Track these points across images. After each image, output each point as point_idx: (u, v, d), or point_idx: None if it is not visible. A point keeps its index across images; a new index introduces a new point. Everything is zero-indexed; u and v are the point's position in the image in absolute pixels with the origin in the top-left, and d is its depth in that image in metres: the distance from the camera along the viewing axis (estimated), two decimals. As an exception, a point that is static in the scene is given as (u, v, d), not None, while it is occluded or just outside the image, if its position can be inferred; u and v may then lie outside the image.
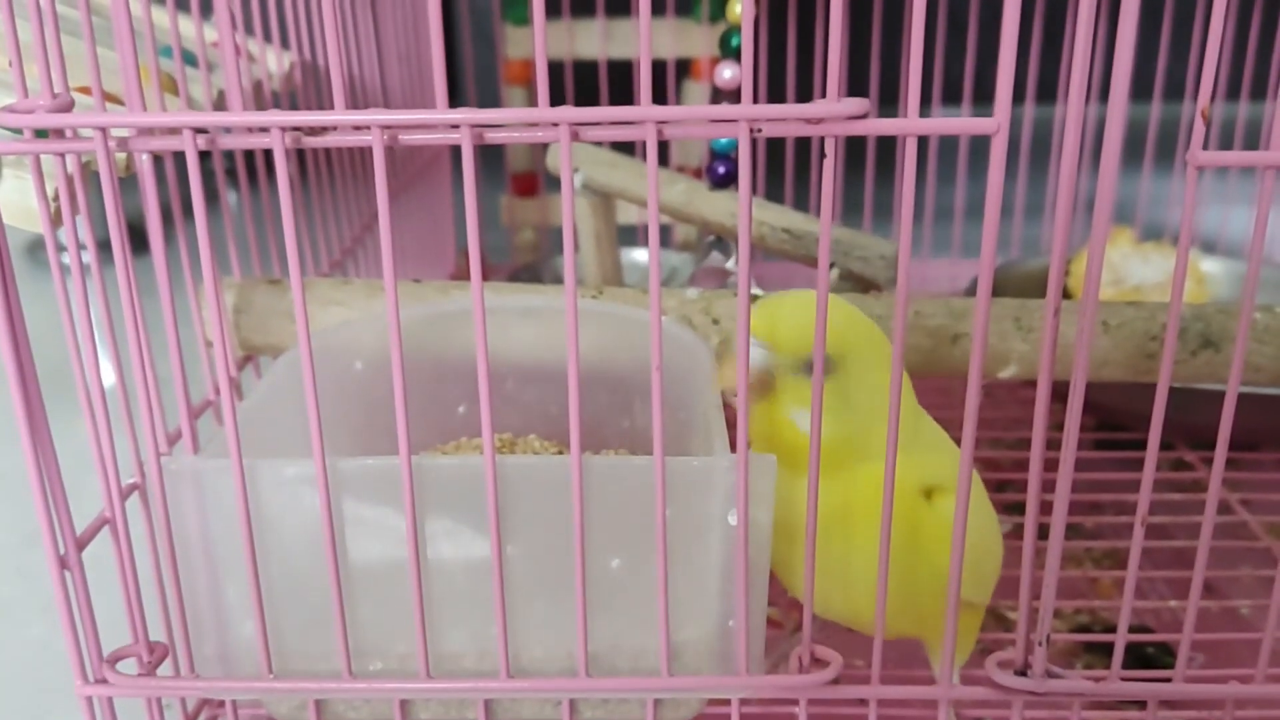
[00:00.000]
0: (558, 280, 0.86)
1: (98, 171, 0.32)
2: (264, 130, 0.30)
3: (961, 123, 0.29)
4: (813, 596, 0.35)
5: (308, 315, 0.32)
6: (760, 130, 0.29)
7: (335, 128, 0.30)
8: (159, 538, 0.35)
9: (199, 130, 0.30)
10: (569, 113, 0.29)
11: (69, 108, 0.31)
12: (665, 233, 0.97)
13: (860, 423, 0.37)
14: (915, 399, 0.40)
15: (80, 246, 0.34)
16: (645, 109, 0.28)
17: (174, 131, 0.31)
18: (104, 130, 0.31)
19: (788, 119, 0.29)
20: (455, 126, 0.29)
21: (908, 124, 0.29)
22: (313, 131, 0.30)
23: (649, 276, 0.30)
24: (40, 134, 0.31)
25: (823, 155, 0.30)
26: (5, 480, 0.74)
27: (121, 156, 0.42)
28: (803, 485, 0.34)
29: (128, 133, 0.31)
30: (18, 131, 0.31)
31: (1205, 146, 0.30)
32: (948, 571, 0.36)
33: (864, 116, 0.29)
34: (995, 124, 0.29)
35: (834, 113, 0.29)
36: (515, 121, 0.29)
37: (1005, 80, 0.28)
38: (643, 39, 0.28)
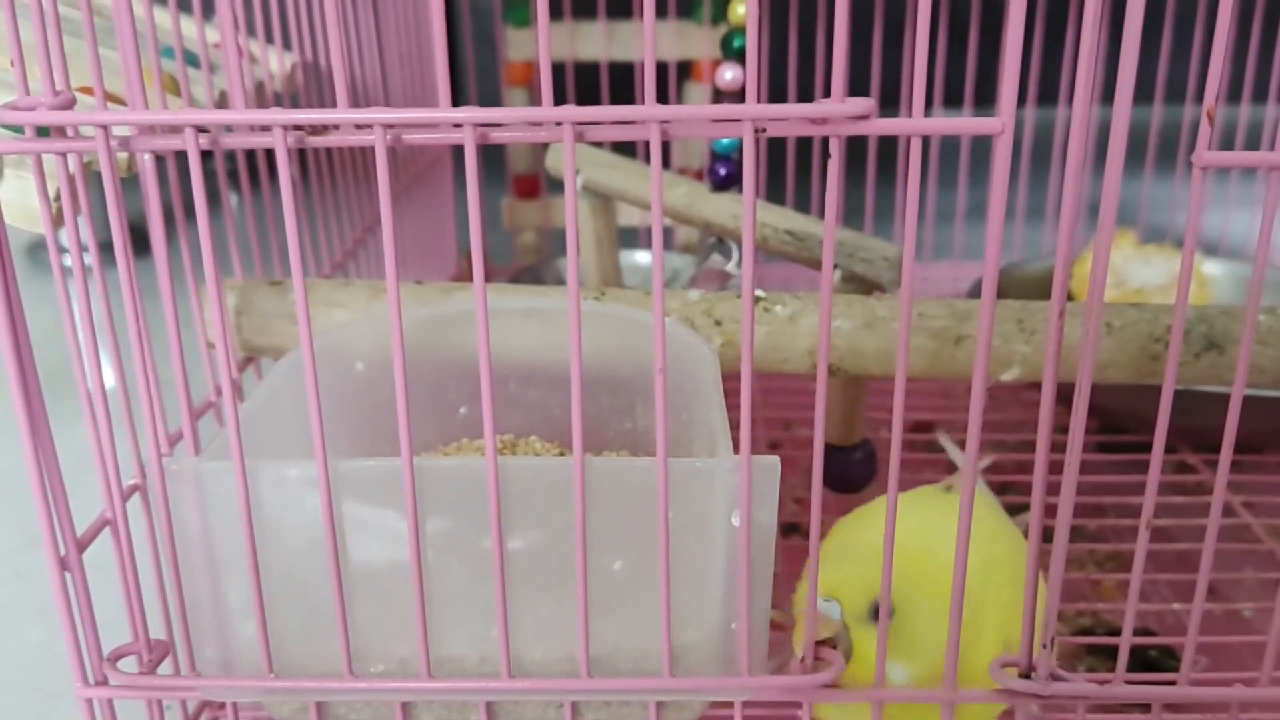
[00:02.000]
0: (559, 282, 0.86)
1: (99, 172, 0.32)
2: (266, 129, 0.30)
3: (966, 123, 0.29)
4: (816, 594, 0.35)
5: (309, 316, 0.32)
6: (764, 130, 0.29)
7: (338, 127, 0.30)
8: (160, 539, 0.35)
9: (201, 129, 0.30)
10: (572, 112, 0.29)
11: (70, 106, 0.31)
12: (667, 234, 0.98)
13: (929, 659, 0.37)
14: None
15: (82, 247, 0.34)
16: (648, 108, 0.28)
17: (175, 130, 0.31)
18: (105, 128, 0.30)
19: (791, 119, 0.29)
20: (458, 125, 0.29)
21: (912, 124, 0.29)
22: (315, 131, 0.30)
23: (651, 278, 0.30)
24: (42, 132, 0.31)
25: (826, 156, 0.30)
26: (4, 482, 0.74)
27: (123, 156, 0.42)
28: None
29: (129, 131, 0.31)
30: (19, 131, 0.31)
31: (1209, 148, 0.30)
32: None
33: (868, 117, 0.29)
34: (1000, 124, 0.29)
35: (838, 113, 0.28)
36: (518, 120, 0.29)
37: (1010, 81, 0.28)
38: (646, 40, 0.28)
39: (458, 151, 0.87)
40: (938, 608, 0.36)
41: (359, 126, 0.29)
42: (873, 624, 0.36)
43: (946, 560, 0.34)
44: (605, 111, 0.28)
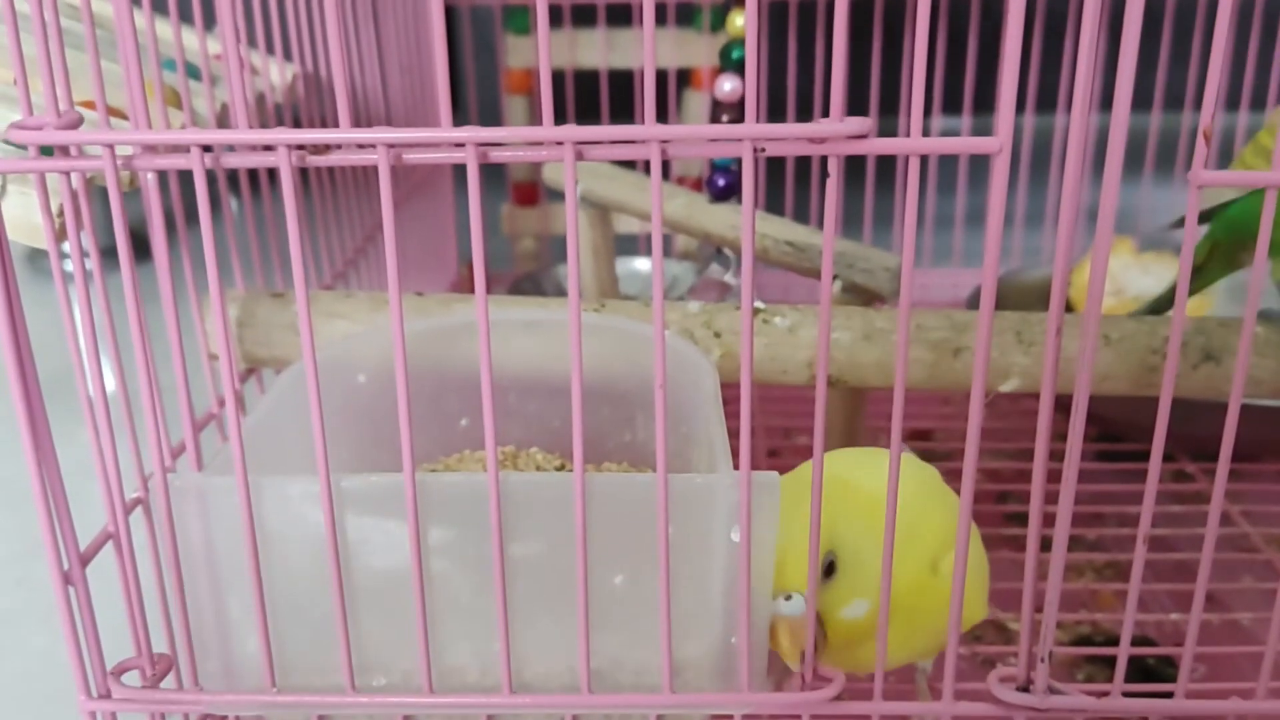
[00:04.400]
0: (559, 290, 0.86)
1: (101, 185, 0.32)
2: (269, 148, 0.30)
3: (963, 142, 0.29)
4: (814, 609, 0.35)
5: (312, 328, 0.32)
6: (763, 150, 0.29)
7: (340, 146, 0.30)
8: (163, 553, 0.35)
9: (205, 148, 0.31)
10: (573, 132, 0.29)
11: (76, 125, 0.31)
12: (666, 241, 0.98)
13: (876, 603, 0.36)
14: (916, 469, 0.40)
15: (83, 254, 0.34)
16: (649, 129, 0.28)
17: (179, 148, 0.31)
18: (111, 148, 0.31)
19: (790, 139, 0.29)
20: (460, 145, 0.29)
21: (910, 144, 0.29)
22: (318, 150, 0.30)
23: (650, 287, 0.30)
24: (46, 151, 0.31)
25: (824, 174, 0.30)
26: (7, 489, 0.74)
27: (125, 172, 0.42)
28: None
29: (133, 149, 0.32)
30: (23, 148, 0.31)
31: (1206, 164, 0.30)
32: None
33: (865, 136, 0.29)
34: (997, 144, 0.29)
35: (837, 132, 0.29)
36: (519, 140, 0.29)
37: (1007, 100, 0.29)
38: (646, 55, 0.28)
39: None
40: (868, 543, 0.36)
41: (361, 145, 0.30)
42: (825, 582, 0.36)
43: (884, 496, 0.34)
44: (606, 131, 0.29)
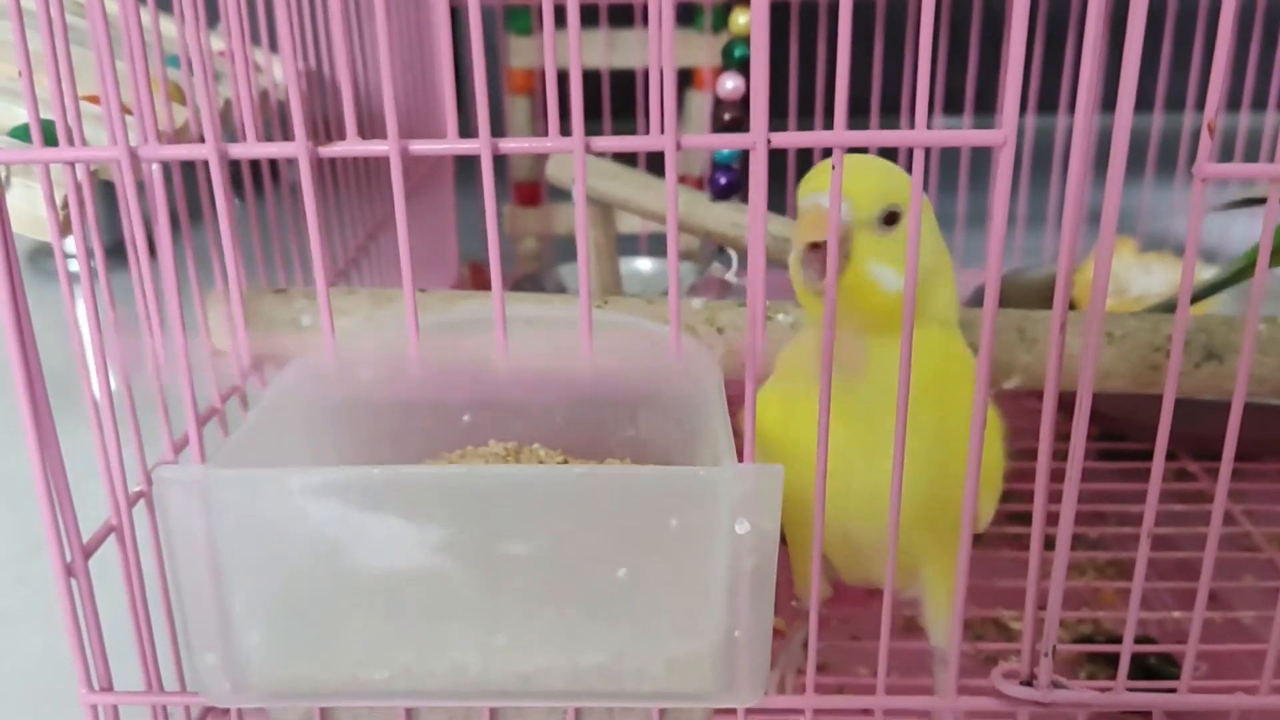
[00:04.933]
0: (560, 289, 0.86)
1: (105, 180, 0.32)
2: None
3: (968, 135, 0.30)
4: (817, 604, 0.35)
5: (313, 324, 0.32)
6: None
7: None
8: (165, 547, 0.35)
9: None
10: (586, 140, 0.29)
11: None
12: (667, 241, 0.98)
13: (920, 279, 0.36)
14: (953, 271, 0.40)
15: (89, 251, 0.34)
16: (667, 138, 0.28)
17: (182, 139, 0.31)
18: (134, 153, 0.31)
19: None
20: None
21: (915, 136, 0.29)
22: (329, 143, 0.31)
23: (651, 285, 0.30)
24: (49, 142, 0.31)
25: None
26: (7, 488, 0.74)
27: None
28: (884, 345, 0.35)
29: (135, 140, 0.32)
30: (26, 139, 0.31)
31: (1210, 158, 0.30)
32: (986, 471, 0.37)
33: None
34: (1002, 136, 0.29)
35: (842, 142, 0.29)
36: (531, 151, 0.29)
37: (1012, 93, 0.29)
38: (651, 58, 0.28)
39: (459, 159, 0.87)
40: (930, 221, 0.38)
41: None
42: (881, 229, 0.36)
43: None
44: (620, 142, 0.29)
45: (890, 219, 0.37)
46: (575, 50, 0.27)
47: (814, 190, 0.36)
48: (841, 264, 0.36)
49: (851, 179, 0.35)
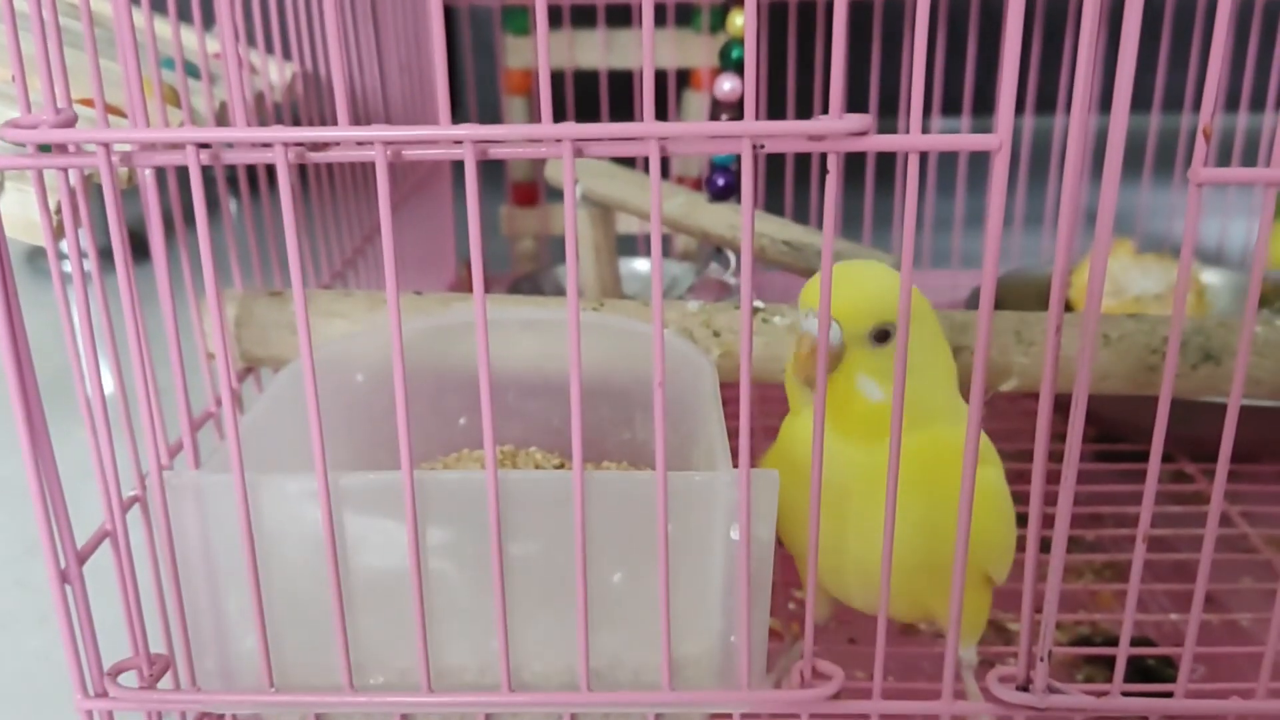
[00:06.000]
0: (558, 290, 0.86)
1: (99, 183, 0.32)
2: (267, 146, 0.30)
3: (963, 139, 0.29)
4: (813, 612, 0.35)
5: (309, 327, 0.32)
6: (762, 146, 0.29)
7: (338, 143, 0.30)
8: (160, 551, 0.35)
9: (202, 145, 0.30)
10: (571, 129, 0.29)
11: (72, 122, 0.31)
12: (666, 242, 0.98)
13: (922, 384, 0.38)
14: (955, 375, 0.41)
15: (82, 254, 0.34)
16: (649, 126, 0.28)
17: (177, 146, 0.31)
18: (107, 146, 0.31)
19: (790, 136, 0.29)
20: (459, 143, 0.29)
21: (909, 140, 0.29)
22: (316, 147, 0.30)
23: (650, 288, 0.30)
24: (43, 149, 0.31)
25: (824, 171, 0.30)
26: (4, 488, 0.74)
27: (124, 170, 0.42)
28: (870, 451, 0.36)
29: (130, 147, 0.32)
30: (20, 145, 0.31)
31: (1206, 162, 0.30)
32: (978, 538, 0.37)
33: (865, 133, 0.29)
34: (997, 140, 0.29)
35: (835, 129, 0.29)
36: (518, 138, 0.29)
37: (1007, 99, 0.28)
38: (646, 54, 0.28)
39: (458, 161, 0.87)
40: (923, 331, 0.38)
41: (360, 144, 0.30)
42: (872, 345, 0.37)
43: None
44: (605, 129, 0.29)
45: (881, 336, 0.37)
46: (543, 46, 0.27)
47: (809, 307, 0.37)
48: (832, 368, 0.37)
49: (843, 298, 0.36)
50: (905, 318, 0.32)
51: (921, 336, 0.38)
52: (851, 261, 0.39)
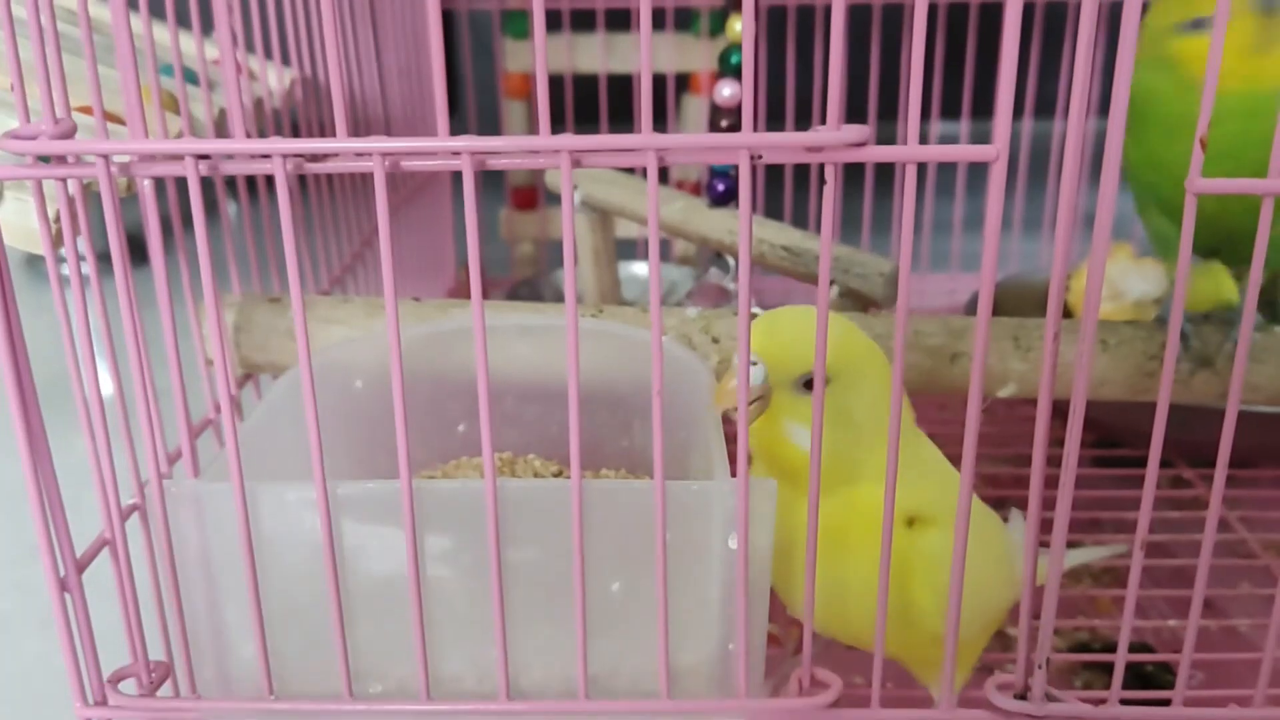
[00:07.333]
0: (557, 295, 0.86)
1: (98, 191, 0.32)
2: (266, 156, 0.30)
3: (960, 150, 0.29)
4: (813, 616, 0.35)
5: (308, 334, 0.32)
6: (760, 157, 0.29)
7: (337, 154, 0.30)
8: (159, 560, 0.35)
9: (201, 156, 0.31)
10: (570, 141, 0.29)
11: (72, 133, 0.31)
12: (665, 246, 0.98)
13: (856, 440, 0.37)
14: (914, 421, 0.40)
15: (80, 258, 0.34)
16: (645, 137, 0.28)
17: (176, 157, 0.31)
18: (106, 158, 0.31)
19: (788, 147, 0.29)
20: (457, 154, 0.29)
21: (907, 151, 0.29)
22: (315, 157, 0.30)
23: (648, 294, 0.30)
24: (43, 159, 0.31)
25: (823, 180, 0.30)
26: (3, 493, 0.74)
27: (123, 179, 0.42)
28: (801, 502, 0.33)
29: (129, 158, 0.32)
30: (20, 156, 0.31)
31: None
32: (926, 604, 0.37)
33: (864, 144, 0.29)
34: (994, 151, 0.29)
35: (833, 141, 0.29)
36: (516, 150, 0.29)
37: (1004, 111, 0.29)
38: (644, 59, 0.28)
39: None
40: (871, 379, 0.37)
41: (358, 154, 0.30)
42: (799, 392, 0.37)
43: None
44: (603, 140, 0.29)
45: (810, 384, 0.37)
46: (540, 53, 0.27)
47: (755, 346, 0.36)
48: (758, 411, 0.37)
49: (773, 343, 0.36)
50: (821, 368, 0.31)
51: (860, 388, 0.37)
52: (793, 307, 0.38)
